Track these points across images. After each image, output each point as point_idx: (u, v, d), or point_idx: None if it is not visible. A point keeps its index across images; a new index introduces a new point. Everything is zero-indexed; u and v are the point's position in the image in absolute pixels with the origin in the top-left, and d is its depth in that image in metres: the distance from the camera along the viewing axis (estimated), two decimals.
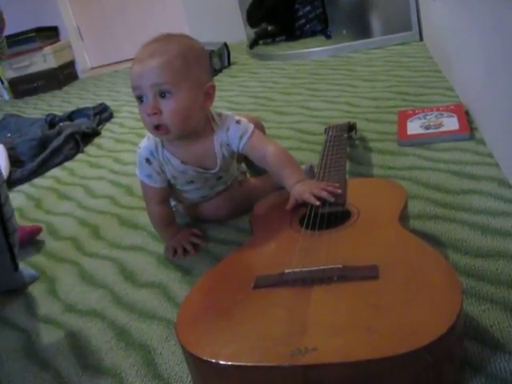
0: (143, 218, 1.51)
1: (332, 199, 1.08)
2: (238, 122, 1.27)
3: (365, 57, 2.79)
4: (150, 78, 1.13)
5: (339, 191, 1.10)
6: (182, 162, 1.26)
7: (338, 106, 2.07)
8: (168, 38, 1.19)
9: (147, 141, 1.27)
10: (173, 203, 1.41)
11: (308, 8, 3.48)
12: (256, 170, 1.53)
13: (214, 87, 1.22)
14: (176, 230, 1.33)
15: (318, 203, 1.07)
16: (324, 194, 1.09)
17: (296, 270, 0.84)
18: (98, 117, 2.74)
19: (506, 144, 1.21)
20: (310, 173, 1.41)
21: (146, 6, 4.45)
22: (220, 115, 1.29)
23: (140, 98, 1.17)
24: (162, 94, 1.14)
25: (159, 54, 1.13)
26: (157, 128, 1.17)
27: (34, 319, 1.18)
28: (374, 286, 0.78)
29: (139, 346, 1.00)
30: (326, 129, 1.58)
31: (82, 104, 3.18)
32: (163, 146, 1.25)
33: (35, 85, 4.28)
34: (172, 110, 1.14)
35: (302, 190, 1.11)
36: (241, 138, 1.25)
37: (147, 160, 1.25)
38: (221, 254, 1.22)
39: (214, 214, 1.38)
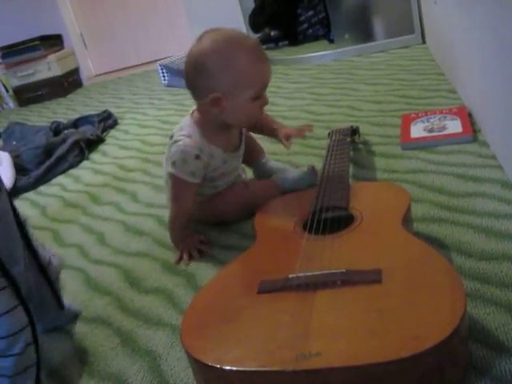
0: (148, 225, 1.52)
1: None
2: None
3: (367, 60, 2.79)
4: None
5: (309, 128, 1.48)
6: (224, 151, 1.33)
7: (341, 110, 2.07)
8: None
9: (190, 139, 1.28)
10: None
11: (310, 12, 3.49)
12: (258, 174, 1.57)
13: None
14: (188, 234, 1.35)
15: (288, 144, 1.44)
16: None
17: (300, 274, 0.84)
18: (103, 124, 2.75)
19: (510, 146, 1.21)
20: (312, 174, 1.42)
21: (149, 13, 4.46)
22: None
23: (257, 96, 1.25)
24: None
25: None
26: None
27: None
28: (378, 289, 0.78)
29: (145, 353, 1.00)
30: (329, 133, 1.59)
31: (87, 111, 3.20)
32: (208, 141, 1.30)
33: (40, 93, 4.30)
34: None
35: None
36: None
37: (197, 156, 1.27)
38: (225, 259, 1.23)
39: (223, 211, 1.39)
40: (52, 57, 4.30)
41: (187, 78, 1.27)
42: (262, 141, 1.88)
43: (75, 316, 1.19)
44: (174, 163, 1.28)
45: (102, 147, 2.50)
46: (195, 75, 1.23)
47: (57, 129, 2.73)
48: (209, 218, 1.42)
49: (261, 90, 1.25)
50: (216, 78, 1.21)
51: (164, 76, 3.42)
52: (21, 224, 0.97)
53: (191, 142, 1.28)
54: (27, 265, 0.98)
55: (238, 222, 1.38)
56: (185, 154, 1.27)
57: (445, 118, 1.63)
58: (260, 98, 1.25)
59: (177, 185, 1.31)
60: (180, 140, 1.28)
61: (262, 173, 1.54)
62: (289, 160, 1.67)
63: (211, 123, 1.30)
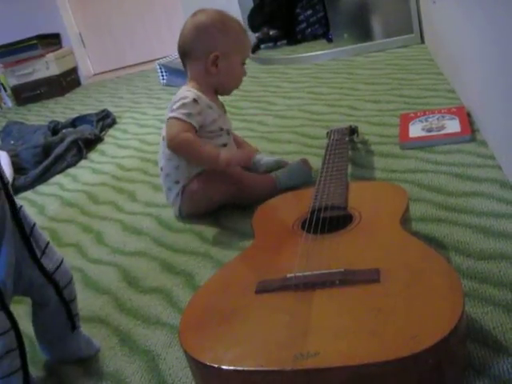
0: (146, 224, 1.52)
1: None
2: None
3: (366, 60, 2.79)
4: None
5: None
6: (218, 108, 1.48)
7: (340, 109, 2.07)
8: None
9: (191, 92, 1.42)
10: (181, 183, 1.45)
11: (309, 12, 3.49)
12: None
13: None
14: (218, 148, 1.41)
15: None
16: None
17: (298, 274, 0.84)
18: (101, 123, 2.74)
19: (508, 146, 1.21)
20: (305, 165, 1.47)
21: (148, 12, 4.46)
22: None
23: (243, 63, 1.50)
24: None
25: None
26: None
27: None
28: (376, 289, 0.78)
29: (143, 352, 1.00)
30: (327, 132, 1.59)
31: (85, 110, 3.19)
32: (204, 95, 1.44)
33: (38, 92, 4.30)
34: None
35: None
36: None
37: (195, 100, 1.40)
38: (224, 259, 1.23)
39: (213, 192, 1.42)
40: (50, 56, 4.29)
41: (185, 43, 1.44)
42: (261, 140, 1.88)
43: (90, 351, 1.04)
44: (172, 109, 1.39)
45: (101, 146, 2.50)
46: (196, 37, 1.42)
47: (55, 128, 2.73)
48: (201, 204, 1.44)
49: (246, 57, 1.51)
50: (216, 40, 1.42)
51: (162, 75, 3.42)
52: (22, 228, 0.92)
53: (192, 92, 1.41)
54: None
55: (237, 221, 1.38)
56: (184, 99, 1.39)
57: (443, 117, 1.63)
58: (244, 66, 1.49)
59: (172, 125, 1.38)
60: (181, 93, 1.42)
61: (260, 171, 1.55)
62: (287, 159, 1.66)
63: (204, 88, 1.45)
